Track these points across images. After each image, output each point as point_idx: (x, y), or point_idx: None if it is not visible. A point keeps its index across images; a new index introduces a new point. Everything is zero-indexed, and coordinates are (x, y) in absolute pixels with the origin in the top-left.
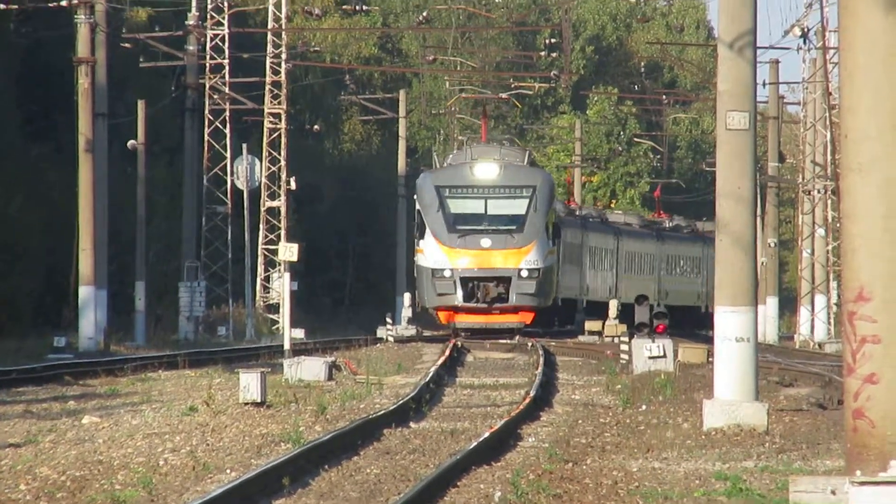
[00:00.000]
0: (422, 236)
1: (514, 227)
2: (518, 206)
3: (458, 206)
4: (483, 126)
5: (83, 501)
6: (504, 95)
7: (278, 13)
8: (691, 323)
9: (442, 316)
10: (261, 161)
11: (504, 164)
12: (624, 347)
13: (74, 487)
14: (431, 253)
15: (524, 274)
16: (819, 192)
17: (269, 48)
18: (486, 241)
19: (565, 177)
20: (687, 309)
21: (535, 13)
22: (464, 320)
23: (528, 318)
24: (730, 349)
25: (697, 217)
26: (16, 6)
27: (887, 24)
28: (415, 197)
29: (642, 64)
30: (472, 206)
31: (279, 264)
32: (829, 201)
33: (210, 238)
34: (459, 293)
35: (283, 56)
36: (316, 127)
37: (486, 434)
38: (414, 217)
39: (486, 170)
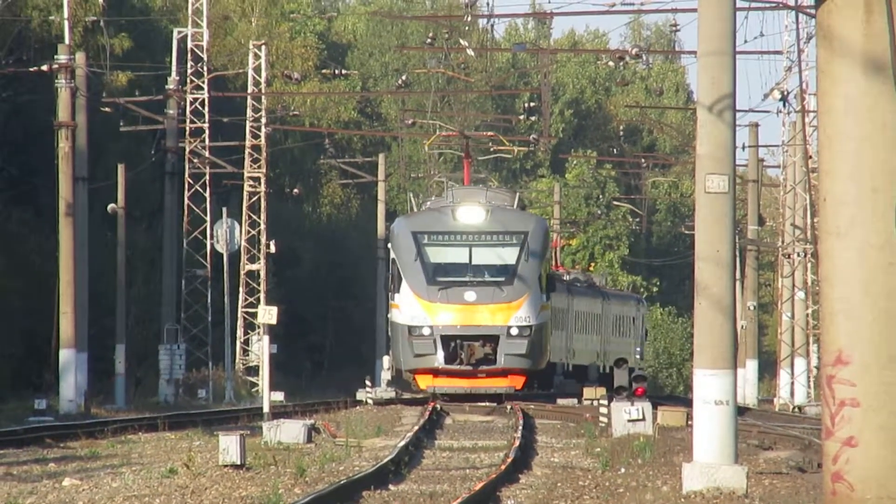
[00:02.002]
0: (397, 289)
1: (502, 279)
2: (507, 255)
3: (438, 254)
4: (465, 168)
5: None
6: (489, 133)
7: (258, 77)
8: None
9: (420, 381)
10: (240, 224)
11: (491, 207)
12: (603, 410)
13: None
14: (408, 308)
15: (514, 332)
16: (799, 255)
17: (249, 112)
18: (470, 295)
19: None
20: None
21: (514, 77)
22: (445, 384)
23: (518, 382)
24: (709, 412)
25: (680, 280)
26: None
27: (866, 87)
28: (389, 245)
29: (621, 127)
30: (455, 255)
31: (258, 327)
32: (809, 265)
33: (190, 301)
34: (440, 354)
35: (263, 120)
36: (295, 190)
37: (465, 496)
38: (388, 268)
39: (471, 214)
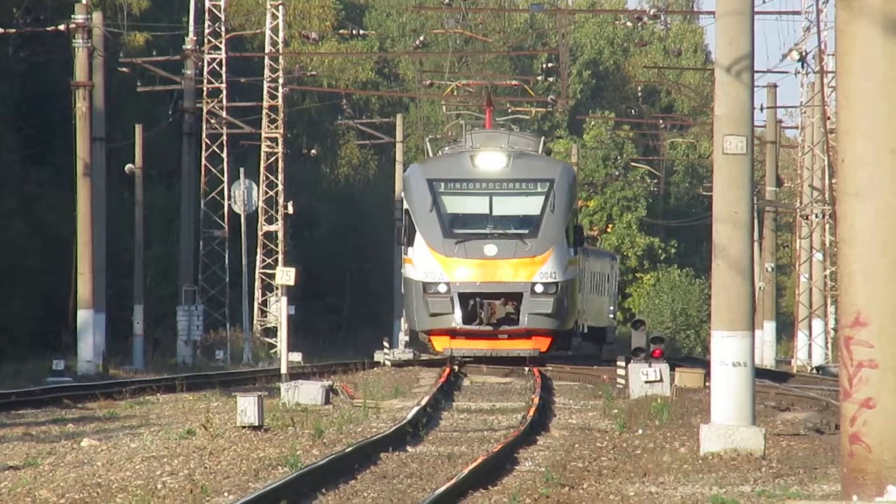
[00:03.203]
0: (410, 243)
1: (525, 231)
2: (531, 205)
3: (455, 204)
4: (487, 115)
5: None
6: (514, 83)
7: (275, 38)
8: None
9: (436, 343)
10: (258, 185)
11: (513, 153)
12: (621, 372)
13: None
14: (423, 263)
15: (539, 289)
16: (817, 216)
17: (267, 72)
18: (490, 249)
19: None
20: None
21: (533, 37)
22: (463, 346)
23: (543, 343)
24: (727, 374)
25: (698, 242)
26: (14, 31)
27: (885, 48)
28: (402, 194)
29: (639, 88)
30: (474, 205)
31: (276, 288)
32: (827, 226)
33: (207, 262)
34: (458, 313)
35: (280, 80)
36: (313, 151)
37: (483, 458)
38: (402, 219)
39: (492, 160)
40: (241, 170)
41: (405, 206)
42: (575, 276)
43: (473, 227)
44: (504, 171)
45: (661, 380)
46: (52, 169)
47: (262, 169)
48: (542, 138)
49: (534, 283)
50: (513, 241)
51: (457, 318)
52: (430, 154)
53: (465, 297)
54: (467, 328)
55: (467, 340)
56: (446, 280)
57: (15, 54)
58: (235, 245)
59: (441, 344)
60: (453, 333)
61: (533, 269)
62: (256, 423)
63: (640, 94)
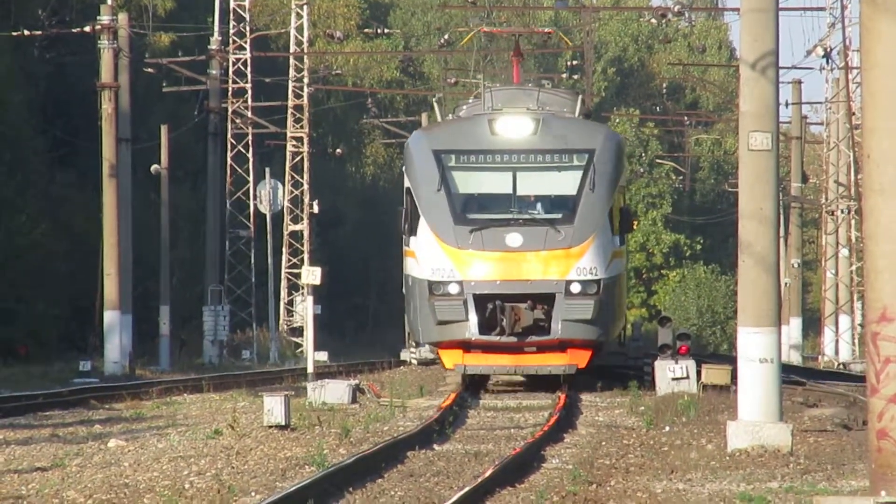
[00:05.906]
0: (413, 232)
1: (559, 216)
2: (566, 182)
3: (469, 182)
4: (515, 69)
5: None
6: (548, 30)
7: (300, 37)
8: None
9: (446, 358)
10: (283, 185)
11: (543, 116)
12: (647, 369)
13: None
14: (428, 257)
15: (575, 289)
16: (842, 212)
17: (292, 72)
18: (514, 239)
19: None
20: None
21: (557, 35)
22: (480, 363)
23: (581, 358)
24: (753, 370)
25: (724, 238)
26: (39, 33)
27: None
28: (402, 168)
29: (664, 85)
30: (493, 183)
31: (302, 288)
32: (853, 221)
33: (233, 262)
34: (473, 320)
35: (306, 80)
36: (338, 150)
37: (510, 456)
38: (402, 202)
39: (516, 125)
40: (267, 169)
41: (406, 184)
42: (621, 271)
43: (492, 212)
44: (532, 139)
45: (687, 377)
46: (78, 170)
47: (287, 168)
48: (580, 96)
49: (569, 282)
50: (542, 229)
51: (472, 327)
52: (440, 118)
53: (481, 300)
54: (485, 339)
55: (485, 355)
56: (458, 278)
57: (40, 56)
58: (261, 245)
59: (452, 359)
60: (467, 346)
61: (568, 264)
62: (283, 423)
63: (664, 90)
